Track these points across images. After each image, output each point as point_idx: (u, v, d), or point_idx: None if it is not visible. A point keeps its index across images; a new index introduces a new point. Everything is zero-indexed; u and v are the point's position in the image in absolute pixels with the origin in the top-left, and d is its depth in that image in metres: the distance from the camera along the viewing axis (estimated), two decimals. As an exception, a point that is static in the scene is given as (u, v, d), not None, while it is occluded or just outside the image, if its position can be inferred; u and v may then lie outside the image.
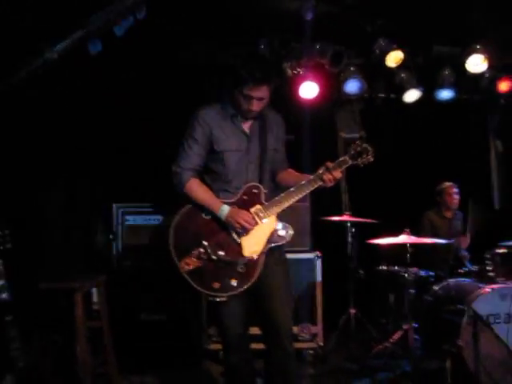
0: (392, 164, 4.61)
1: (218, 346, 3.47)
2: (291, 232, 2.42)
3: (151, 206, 4.03)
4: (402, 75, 4.72)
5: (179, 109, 3.11)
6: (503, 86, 4.76)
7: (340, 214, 4.03)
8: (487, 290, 3.21)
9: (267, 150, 2.47)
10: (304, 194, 2.42)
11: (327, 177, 2.39)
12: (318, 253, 3.94)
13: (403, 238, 3.51)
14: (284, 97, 4.41)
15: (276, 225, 2.41)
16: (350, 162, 2.46)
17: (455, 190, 4.48)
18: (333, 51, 4.46)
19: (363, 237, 3.83)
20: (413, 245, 3.59)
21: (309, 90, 4.55)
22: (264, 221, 2.38)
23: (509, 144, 4.88)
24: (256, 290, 2.39)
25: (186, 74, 4.31)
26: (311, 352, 3.90)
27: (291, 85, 4.59)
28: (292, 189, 2.41)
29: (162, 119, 4.23)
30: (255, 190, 2.42)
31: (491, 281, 3.44)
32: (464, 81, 4.75)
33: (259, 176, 2.45)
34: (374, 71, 4.72)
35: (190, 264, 2.32)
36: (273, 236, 2.39)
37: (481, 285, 3.36)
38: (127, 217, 4.03)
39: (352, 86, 4.65)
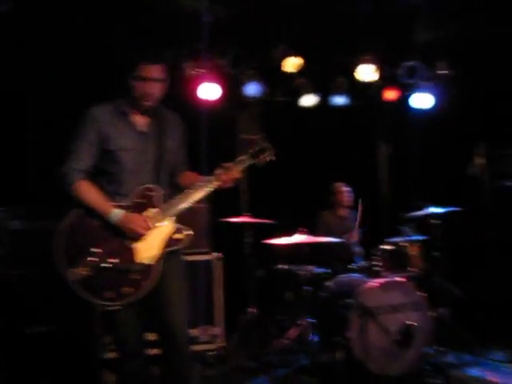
0: (289, 166, 4.76)
1: (115, 355, 3.33)
2: (190, 235, 2.36)
3: (41, 208, 3.75)
4: (300, 80, 4.92)
5: (75, 107, 2.94)
6: (390, 95, 5.15)
7: (239, 215, 4.08)
8: (373, 283, 3.44)
9: (165, 151, 2.39)
10: (202, 195, 2.37)
11: (225, 177, 2.37)
12: (217, 254, 3.94)
13: (298, 238, 3.63)
14: (182, 97, 4.38)
15: (173, 228, 2.34)
16: (250, 161, 2.45)
17: (346, 188, 4.72)
18: (233, 54, 4.52)
19: (262, 237, 3.90)
20: (309, 243, 3.73)
21: (209, 91, 4.55)
22: (160, 224, 2.31)
23: (396, 147, 5.28)
24: (152, 295, 2.31)
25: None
26: (212, 353, 3.90)
27: (190, 85, 4.56)
28: (189, 190, 2.36)
29: (56, 116, 3.97)
30: (150, 193, 2.33)
31: (378, 275, 3.70)
32: (356, 88, 5.06)
33: (156, 177, 2.36)
34: (273, 75, 4.86)
35: (78, 273, 2.19)
36: (170, 240, 2.32)
37: (369, 279, 3.59)
38: (13, 221, 3.71)
39: (252, 89, 4.74)
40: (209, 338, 3.84)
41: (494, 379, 3.47)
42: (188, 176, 2.55)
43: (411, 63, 4.94)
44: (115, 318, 2.31)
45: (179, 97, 4.41)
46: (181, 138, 2.54)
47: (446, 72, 4.99)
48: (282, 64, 4.69)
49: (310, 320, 3.72)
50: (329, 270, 3.99)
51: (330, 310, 3.67)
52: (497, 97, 4.68)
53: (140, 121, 2.37)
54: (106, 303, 2.21)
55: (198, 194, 2.36)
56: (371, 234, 4.49)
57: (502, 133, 4.43)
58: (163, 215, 2.31)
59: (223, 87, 4.61)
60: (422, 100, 5.06)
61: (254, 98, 4.79)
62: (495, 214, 4.20)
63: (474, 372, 3.62)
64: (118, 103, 2.36)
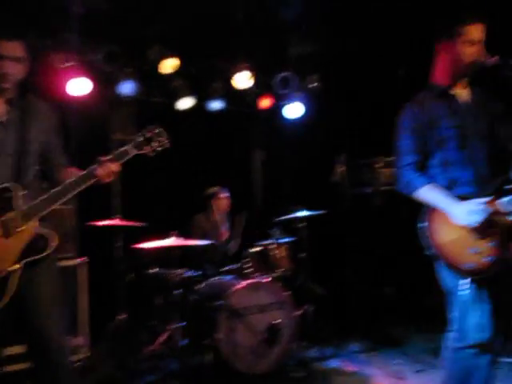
0: (164, 168, 4.70)
1: None
2: (55, 240, 2.11)
3: None
4: (177, 82, 4.88)
5: None
6: (264, 103, 5.36)
7: (110, 218, 3.91)
8: (241, 285, 3.53)
9: (30, 143, 2.12)
10: (72, 193, 2.11)
11: (102, 171, 2.12)
12: (82, 259, 3.73)
13: (169, 241, 3.59)
14: (48, 91, 4.09)
15: (32, 234, 2.07)
16: (134, 152, 2.20)
17: (223, 194, 4.79)
18: (107, 50, 4.34)
19: (134, 240, 3.78)
20: (180, 247, 3.71)
21: (79, 86, 4.30)
22: (18, 230, 2.04)
23: (269, 154, 5.50)
24: (20, 306, 2.09)
25: None
26: (77, 364, 3.67)
27: (58, 79, 4.27)
28: (57, 188, 2.09)
29: None
30: (7, 194, 2.04)
31: (247, 277, 3.81)
32: (233, 94, 5.17)
33: (17, 173, 2.08)
34: (149, 75, 4.75)
35: None
36: (28, 248, 2.06)
37: (237, 281, 3.68)
38: None
39: (126, 88, 4.59)
40: (71, 349, 3.61)
41: (351, 368, 3.78)
42: (69, 172, 2.25)
43: (285, 74, 5.20)
44: None
45: (45, 90, 4.12)
46: (51, 129, 2.26)
47: (315, 84, 5.34)
48: (159, 64, 4.63)
49: (180, 324, 3.70)
50: (200, 273, 4.02)
51: (200, 312, 3.69)
52: (358, 111, 5.13)
53: None
54: None
55: (68, 193, 2.10)
56: (245, 237, 4.62)
57: (361, 143, 4.87)
58: (23, 220, 2.05)
59: (95, 84, 4.40)
60: (293, 110, 5.35)
61: (128, 97, 4.63)
62: (353, 217, 4.59)
63: (334, 363, 3.90)
64: None
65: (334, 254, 4.95)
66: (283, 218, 4.28)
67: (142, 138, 2.25)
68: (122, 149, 2.21)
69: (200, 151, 5.14)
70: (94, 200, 4.32)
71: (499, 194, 2.07)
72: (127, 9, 4.18)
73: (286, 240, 4.13)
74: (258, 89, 5.29)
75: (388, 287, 4.95)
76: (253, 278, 3.77)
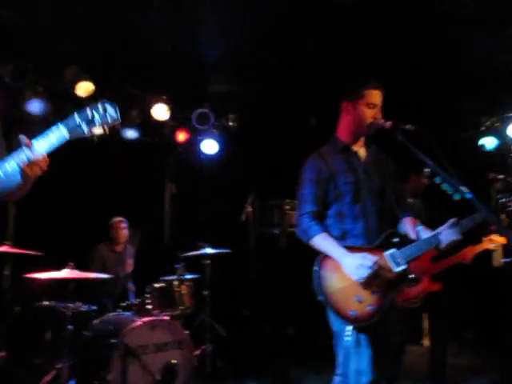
0: (68, 196, 4.48)
1: None
2: None
3: None
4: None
5: None
6: (181, 137, 5.36)
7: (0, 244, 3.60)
8: (139, 322, 3.40)
9: None
10: None
11: (28, 169, 1.67)
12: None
13: (66, 272, 3.38)
14: None
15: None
16: (87, 129, 1.77)
17: (123, 224, 4.65)
18: (14, 65, 4.11)
19: (25, 270, 3.50)
20: (77, 279, 3.50)
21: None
22: None
23: (181, 188, 5.46)
24: None
25: None
26: None
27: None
28: None
29: None
30: None
31: (147, 313, 3.68)
32: (148, 124, 5.11)
33: None
34: (61, 96, 4.56)
35: None
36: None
37: (135, 318, 3.54)
38: None
39: (35, 107, 4.36)
40: None
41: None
42: None
43: (203, 110, 5.26)
44: None
45: None
46: None
47: (232, 123, 5.46)
48: (73, 86, 4.47)
49: (69, 363, 3.44)
50: (96, 308, 3.80)
51: (92, 350, 3.47)
52: (270, 153, 5.31)
53: None
54: None
55: None
56: (150, 272, 4.49)
57: (271, 185, 5.02)
58: None
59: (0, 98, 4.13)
60: (209, 146, 5.40)
61: (37, 116, 4.40)
62: (259, 258, 4.66)
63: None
64: None
65: (237, 294, 4.96)
66: (189, 254, 4.23)
67: (90, 115, 1.86)
68: (51, 130, 1.78)
69: (111, 180, 4.97)
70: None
71: (385, 246, 2.24)
72: (44, 25, 4.02)
73: (190, 277, 4.07)
74: (176, 122, 5.29)
75: (289, 328, 5.03)
76: (152, 315, 3.65)
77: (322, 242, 2.26)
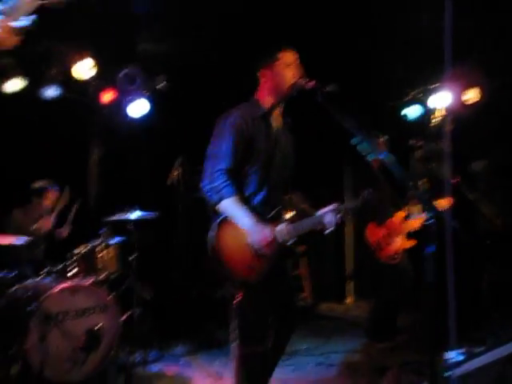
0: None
1: None
2: None
3: None
4: (5, 60, 4.38)
5: None
6: (107, 97, 5.10)
7: None
8: (58, 288, 3.29)
9: None
10: None
11: None
12: None
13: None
14: None
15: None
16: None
17: (53, 190, 4.43)
18: None
19: None
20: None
21: None
22: None
23: (107, 150, 5.24)
24: None
25: None
26: None
27: None
28: None
29: None
30: None
31: (70, 279, 3.57)
32: (71, 82, 4.82)
33: None
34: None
35: None
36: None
37: (56, 284, 3.42)
38: None
39: None
40: None
41: (171, 372, 3.79)
42: None
43: (131, 70, 5.03)
44: None
45: None
46: None
47: (162, 84, 5.27)
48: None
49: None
50: (14, 274, 3.63)
51: (9, 319, 3.33)
52: (200, 115, 5.20)
53: None
54: None
55: None
56: (75, 236, 4.34)
57: (198, 149, 4.94)
58: None
59: None
60: (137, 108, 5.19)
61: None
62: (186, 221, 4.63)
63: (155, 368, 3.87)
64: None
65: (164, 257, 4.93)
66: (114, 218, 4.11)
67: None
68: None
69: (29, 140, 4.68)
70: None
71: (277, 220, 2.34)
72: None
73: (116, 241, 3.98)
74: (101, 81, 5.03)
75: (219, 290, 5.09)
76: (73, 280, 3.54)
77: (234, 205, 2.25)
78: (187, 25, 4.70)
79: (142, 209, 4.17)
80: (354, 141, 2.18)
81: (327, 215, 2.32)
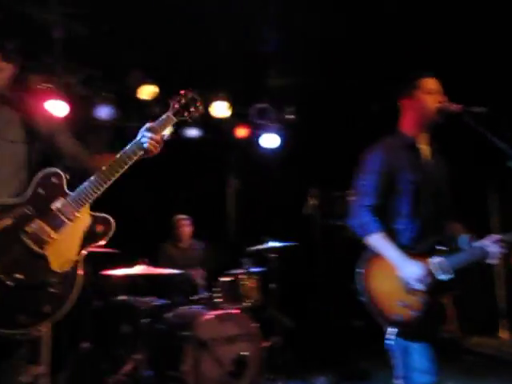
0: (136, 195, 4.67)
1: None
2: (112, 225, 1.91)
3: None
4: (156, 109, 4.91)
5: None
6: (241, 132, 5.43)
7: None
8: (210, 315, 3.50)
9: (29, 143, 1.96)
10: (124, 169, 1.94)
11: (151, 142, 1.95)
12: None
13: (139, 269, 3.55)
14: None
15: (90, 219, 1.88)
16: (175, 119, 2.06)
17: (185, 222, 4.77)
18: (85, 73, 4.36)
19: (101, 267, 3.72)
20: (149, 275, 3.67)
21: (57, 108, 4.30)
22: (73, 218, 1.85)
23: (244, 183, 5.53)
24: None
25: None
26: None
27: (38, 99, 4.26)
28: (105, 167, 1.90)
29: None
30: (54, 179, 1.87)
31: (216, 307, 3.78)
32: (209, 122, 5.22)
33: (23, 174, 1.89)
34: (127, 100, 4.78)
35: None
36: (88, 235, 1.87)
37: (205, 311, 3.64)
38: None
39: (103, 112, 4.60)
40: (31, 379, 3.48)
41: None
42: (100, 158, 2.06)
43: (262, 105, 5.29)
44: None
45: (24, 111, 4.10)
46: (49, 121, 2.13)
47: (292, 117, 5.45)
48: (138, 90, 4.66)
49: (145, 354, 3.62)
50: (168, 302, 3.96)
51: (166, 342, 3.62)
52: (333, 143, 5.24)
53: None
54: (20, 331, 1.73)
55: (117, 170, 1.91)
56: (217, 267, 4.59)
57: (334, 176, 4.96)
58: (75, 205, 1.86)
59: (72, 106, 4.40)
60: (269, 140, 5.43)
61: (105, 121, 4.64)
62: (324, 249, 4.62)
63: (301, 397, 3.88)
64: None
65: (304, 286, 4.95)
66: (255, 248, 4.28)
67: (178, 105, 2.10)
68: (163, 116, 2.06)
69: (175, 179, 5.14)
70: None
71: (431, 253, 2.17)
72: (107, 34, 4.22)
73: (257, 270, 4.12)
74: (235, 118, 5.37)
75: (357, 320, 4.96)
76: (222, 308, 3.74)
77: (381, 241, 2.18)
78: (314, 57, 4.81)
79: (280, 239, 4.29)
80: (510, 163, 2.02)
81: (491, 246, 2.14)
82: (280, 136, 5.41)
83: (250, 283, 3.97)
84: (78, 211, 1.87)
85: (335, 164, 5.10)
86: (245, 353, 3.55)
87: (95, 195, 1.91)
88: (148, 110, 4.89)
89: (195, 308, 3.86)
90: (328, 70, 4.90)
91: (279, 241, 4.29)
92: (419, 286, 2.11)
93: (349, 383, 4.10)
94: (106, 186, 1.93)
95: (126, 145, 4.54)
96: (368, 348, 4.63)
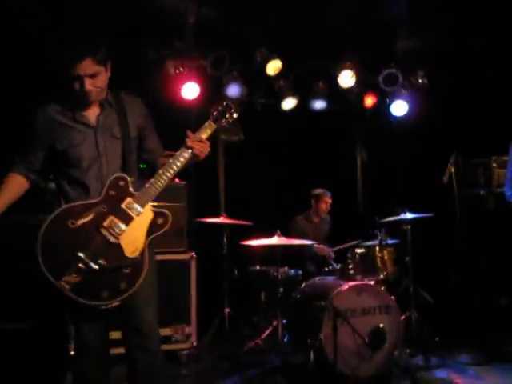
0: (268, 168, 4.79)
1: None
2: (169, 217, 2.30)
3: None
4: (281, 83, 4.97)
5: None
6: (369, 101, 5.24)
7: (216, 215, 4.10)
8: (345, 286, 3.50)
9: (128, 138, 2.34)
10: (175, 171, 2.28)
11: (196, 145, 2.26)
12: (192, 254, 3.95)
13: (274, 240, 3.67)
14: (164, 95, 4.42)
15: (152, 214, 2.28)
16: (215, 125, 2.36)
17: (329, 198, 4.79)
18: (215, 55, 4.54)
19: (238, 238, 3.92)
20: (284, 245, 3.78)
21: (190, 90, 4.58)
22: (139, 213, 2.25)
23: (372, 153, 5.37)
24: None
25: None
26: (185, 352, 3.90)
27: (174, 84, 4.58)
28: (160, 170, 2.28)
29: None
30: (122, 182, 2.27)
31: (350, 278, 3.77)
32: (335, 93, 5.13)
33: (120, 167, 2.31)
34: (254, 77, 4.89)
35: (70, 282, 2.13)
36: (151, 227, 2.27)
37: (341, 282, 3.66)
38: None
39: (233, 91, 4.77)
40: (182, 337, 3.85)
41: (460, 381, 3.58)
42: (166, 157, 2.42)
43: (390, 71, 5.03)
44: (81, 313, 2.26)
45: (162, 95, 4.46)
46: (147, 123, 2.46)
47: (423, 81, 5.10)
48: (264, 67, 4.74)
49: (283, 321, 3.77)
50: (301, 272, 4.05)
51: (303, 311, 3.72)
52: (470, 108, 4.81)
53: (87, 114, 2.32)
54: (104, 302, 2.17)
55: (170, 171, 2.27)
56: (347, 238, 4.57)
57: (475, 142, 4.57)
58: (140, 203, 2.25)
59: (205, 88, 4.64)
60: (399, 107, 5.16)
61: (235, 99, 4.81)
62: (464, 221, 4.31)
63: (441, 374, 3.71)
64: (64, 102, 2.31)
65: (441, 260, 4.69)
66: (388, 219, 4.15)
67: (216, 113, 2.39)
68: (205, 124, 2.35)
69: (303, 151, 5.18)
70: (202, 198, 4.59)
71: None
72: (232, 14, 4.34)
73: (391, 242, 4.01)
74: (362, 87, 5.19)
75: (503, 298, 4.58)
76: (356, 279, 3.73)
77: None
78: (443, 17, 4.42)
79: (414, 210, 4.10)
80: None
81: None
82: (411, 102, 5.10)
83: (384, 255, 3.88)
84: (142, 208, 2.26)
85: (473, 130, 4.70)
86: (382, 325, 3.50)
87: (154, 194, 2.27)
88: (273, 85, 4.99)
89: (330, 278, 3.90)
90: (457, 31, 4.48)
91: (414, 212, 4.11)
92: None
93: (495, 365, 3.82)
94: (161, 187, 2.28)
95: (255, 121, 4.65)
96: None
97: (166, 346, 3.73)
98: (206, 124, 2.34)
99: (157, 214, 2.29)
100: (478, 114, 4.73)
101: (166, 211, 2.30)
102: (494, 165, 4.48)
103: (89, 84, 2.22)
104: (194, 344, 3.92)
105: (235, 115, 2.42)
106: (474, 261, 4.53)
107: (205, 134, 2.33)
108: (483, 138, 4.50)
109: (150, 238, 2.27)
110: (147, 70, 4.44)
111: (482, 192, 4.57)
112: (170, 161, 2.29)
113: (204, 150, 2.29)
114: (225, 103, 2.41)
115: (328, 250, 4.55)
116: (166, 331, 3.75)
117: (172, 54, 4.53)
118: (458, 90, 4.91)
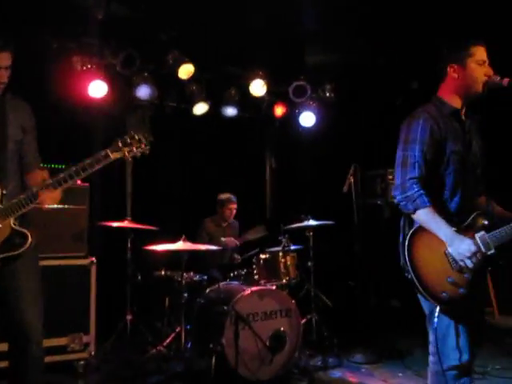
0: (176, 172, 4.74)
1: None
2: (29, 240, 2.15)
3: None
4: (193, 88, 4.95)
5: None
6: (279, 111, 5.40)
7: (121, 219, 3.97)
8: (248, 291, 3.56)
9: (8, 141, 2.21)
10: (26, 208, 2.17)
11: (44, 197, 2.16)
12: (93, 259, 3.78)
13: (179, 245, 3.64)
14: (70, 92, 4.21)
15: (9, 232, 2.13)
16: (112, 156, 2.21)
17: (234, 204, 4.83)
18: (125, 54, 4.42)
19: (143, 242, 3.83)
20: (189, 250, 3.76)
21: (98, 89, 4.41)
22: None
23: (281, 161, 5.53)
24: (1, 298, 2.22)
25: None
26: (82, 362, 3.72)
27: (80, 80, 4.38)
28: (34, 188, 2.17)
29: None
30: None
31: (254, 283, 3.84)
32: (246, 101, 5.22)
33: None
34: (165, 80, 4.83)
35: None
36: (4, 244, 2.10)
37: (244, 287, 3.71)
38: None
39: (143, 92, 4.67)
40: (79, 347, 3.67)
41: (353, 379, 3.78)
42: (35, 176, 2.31)
43: (299, 83, 5.23)
44: None
45: (67, 91, 4.25)
46: (27, 127, 2.32)
47: (330, 94, 5.37)
48: (176, 70, 4.69)
49: (187, 327, 3.74)
50: (206, 277, 4.06)
51: (206, 316, 3.72)
52: (371, 121, 5.15)
53: None
54: None
55: (27, 205, 2.15)
56: (254, 244, 4.65)
57: (370, 155, 4.89)
58: (1, 216, 2.12)
59: (114, 87, 4.49)
60: (307, 118, 5.37)
61: (145, 100, 4.71)
62: (363, 229, 4.58)
63: (337, 374, 3.90)
64: None
65: (341, 265, 4.95)
66: (292, 226, 4.30)
67: (121, 144, 2.26)
68: (101, 152, 2.23)
69: (213, 156, 5.20)
70: (105, 201, 4.43)
71: (474, 227, 2.11)
72: (146, 14, 4.26)
73: (294, 248, 4.15)
74: (273, 96, 5.34)
75: (394, 300, 4.94)
76: (259, 284, 3.80)
77: (430, 216, 2.07)
78: (351, 34, 4.70)
79: (317, 217, 4.28)
80: None
81: None
82: (318, 114, 5.34)
83: (287, 260, 4.01)
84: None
85: (374, 142, 5.03)
86: (282, 328, 3.60)
87: (18, 212, 2.15)
88: (185, 89, 4.96)
89: (234, 283, 3.94)
90: (365, 47, 4.79)
91: (316, 219, 4.29)
92: (469, 263, 2.04)
93: (385, 362, 4.10)
94: (31, 206, 2.17)
95: (164, 123, 4.56)
96: (404, 327, 4.63)
97: (61, 357, 3.58)
98: (103, 153, 2.22)
99: (16, 233, 2.14)
100: (377, 127, 5.07)
101: (28, 233, 2.15)
102: (390, 177, 4.82)
103: (6, 77, 2.15)
104: (93, 353, 3.75)
105: (146, 149, 2.31)
106: (371, 266, 4.84)
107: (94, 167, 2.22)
108: (381, 150, 4.83)
109: (0, 257, 2.10)
110: (49, 60, 4.20)
111: (379, 202, 4.90)
112: (34, 189, 2.17)
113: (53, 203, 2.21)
114: (138, 136, 2.29)
115: (235, 241, 4.61)
116: (61, 341, 3.56)
117: (79, 48, 4.33)
118: (361, 105, 5.23)
